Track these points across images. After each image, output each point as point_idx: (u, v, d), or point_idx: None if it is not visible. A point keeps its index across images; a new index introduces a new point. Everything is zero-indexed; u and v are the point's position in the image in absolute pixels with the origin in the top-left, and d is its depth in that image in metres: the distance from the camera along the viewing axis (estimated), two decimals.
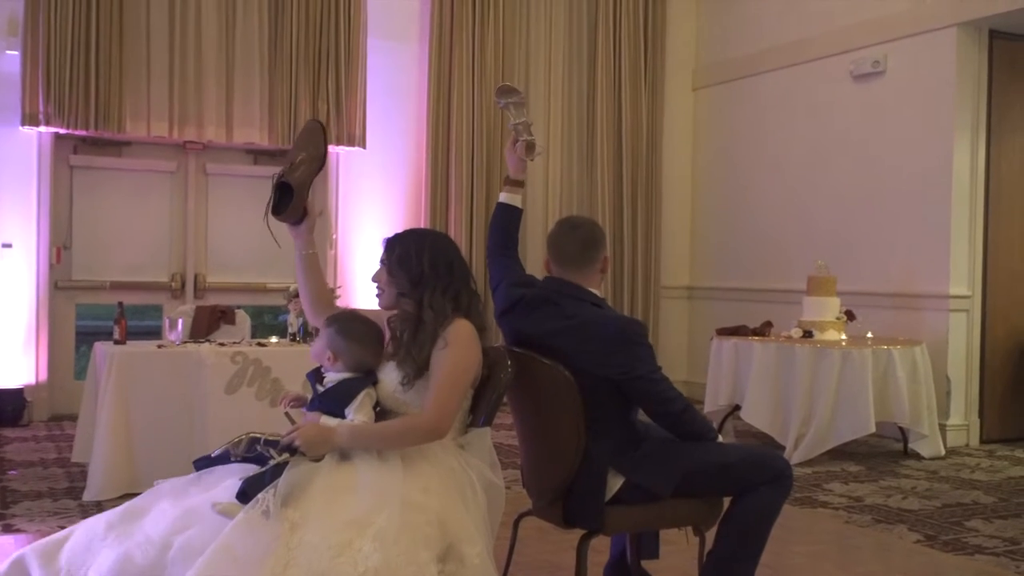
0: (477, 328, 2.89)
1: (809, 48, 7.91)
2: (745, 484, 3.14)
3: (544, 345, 3.12)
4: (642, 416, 3.29)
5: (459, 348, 2.80)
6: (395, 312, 2.94)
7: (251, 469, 2.64)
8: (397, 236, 3.01)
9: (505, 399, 3.09)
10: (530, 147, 3.38)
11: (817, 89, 7.86)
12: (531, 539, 3.76)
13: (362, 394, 2.79)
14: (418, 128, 8.24)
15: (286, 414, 2.84)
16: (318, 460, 2.66)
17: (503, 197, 3.46)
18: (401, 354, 2.83)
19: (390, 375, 2.84)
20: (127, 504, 2.73)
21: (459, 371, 2.80)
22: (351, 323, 2.91)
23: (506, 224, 3.45)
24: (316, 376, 2.91)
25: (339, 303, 5.56)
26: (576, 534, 3.17)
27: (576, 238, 3.24)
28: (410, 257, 2.89)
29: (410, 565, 2.48)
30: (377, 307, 3.04)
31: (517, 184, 3.45)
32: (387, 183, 8.15)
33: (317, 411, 2.81)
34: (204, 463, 2.81)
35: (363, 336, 2.90)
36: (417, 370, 2.79)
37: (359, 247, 7.96)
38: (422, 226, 7.97)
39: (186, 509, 2.61)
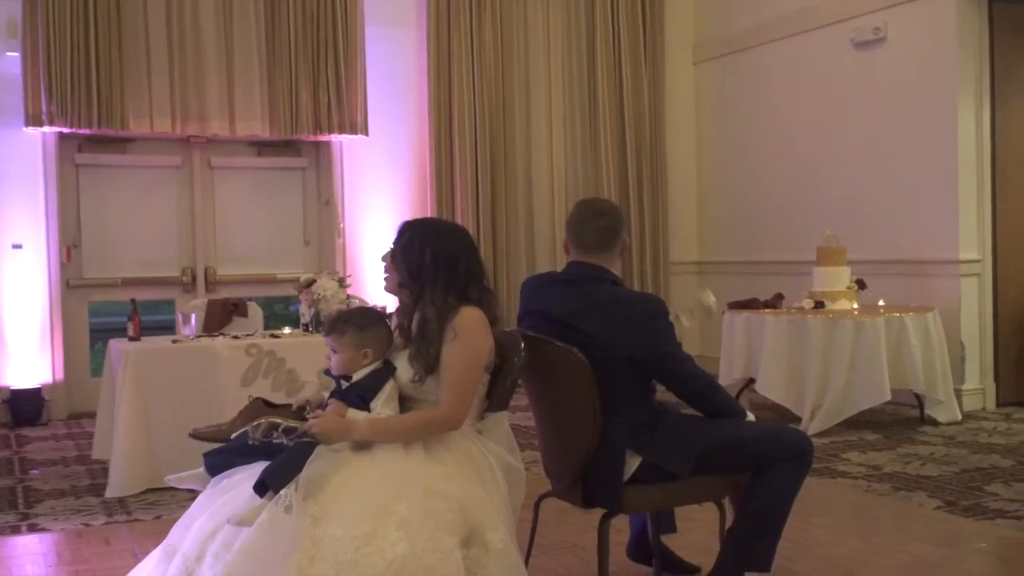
0: (489, 319, 2.88)
1: (809, 17, 7.85)
2: (763, 460, 3.14)
3: (568, 325, 3.13)
4: (659, 396, 3.31)
5: (468, 337, 2.79)
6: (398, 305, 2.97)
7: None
8: (408, 223, 3.01)
9: (520, 383, 3.10)
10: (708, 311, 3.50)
11: (819, 58, 7.81)
12: (552, 520, 3.77)
13: (388, 386, 2.80)
14: (420, 114, 8.21)
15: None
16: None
17: None
18: (412, 350, 2.82)
19: (404, 367, 2.84)
20: (163, 545, 2.75)
21: (470, 361, 2.80)
22: (359, 316, 2.91)
23: None
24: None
25: (350, 291, 5.62)
26: (597, 513, 3.18)
27: (598, 227, 3.25)
28: (412, 248, 2.87)
29: (436, 552, 2.49)
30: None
31: None
32: (392, 170, 8.13)
33: (339, 400, 2.81)
34: (214, 454, 2.82)
35: (375, 318, 2.92)
36: (427, 367, 2.78)
37: (366, 236, 7.95)
38: (430, 212, 7.95)
39: (210, 515, 2.63)
